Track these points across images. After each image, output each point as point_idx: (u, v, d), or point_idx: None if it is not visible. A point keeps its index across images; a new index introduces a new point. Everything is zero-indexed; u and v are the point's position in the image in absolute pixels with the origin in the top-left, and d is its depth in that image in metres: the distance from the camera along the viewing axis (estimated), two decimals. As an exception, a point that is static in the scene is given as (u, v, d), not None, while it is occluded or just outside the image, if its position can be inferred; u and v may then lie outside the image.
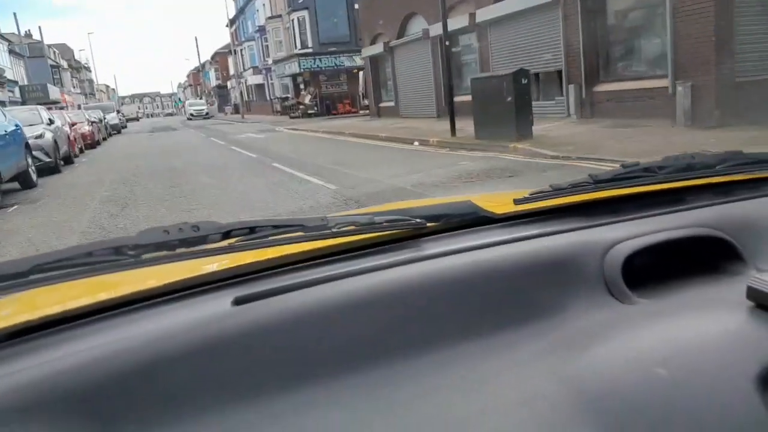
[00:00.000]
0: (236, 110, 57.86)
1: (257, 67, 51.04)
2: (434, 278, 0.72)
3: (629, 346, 0.62)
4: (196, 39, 65.42)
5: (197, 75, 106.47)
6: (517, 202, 0.92)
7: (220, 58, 73.10)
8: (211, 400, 0.58)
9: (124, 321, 0.68)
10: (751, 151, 1.05)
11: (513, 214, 0.92)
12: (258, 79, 50.42)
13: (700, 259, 0.80)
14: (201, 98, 61.58)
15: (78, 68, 76.94)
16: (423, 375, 0.62)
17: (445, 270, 0.73)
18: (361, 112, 34.59)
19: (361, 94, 31.73)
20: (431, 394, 0.59)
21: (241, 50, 56.56)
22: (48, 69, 55.80)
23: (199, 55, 58.99)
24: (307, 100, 34.12)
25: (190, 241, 0.72)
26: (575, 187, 0.93)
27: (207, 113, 53.22)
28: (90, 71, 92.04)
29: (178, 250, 0.71)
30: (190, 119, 52.05)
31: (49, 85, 43.44)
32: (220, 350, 0.61)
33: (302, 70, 34.15)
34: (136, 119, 74.91)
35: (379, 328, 0.66)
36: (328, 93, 34.96)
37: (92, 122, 22.44)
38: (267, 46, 46.98)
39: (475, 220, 0.90)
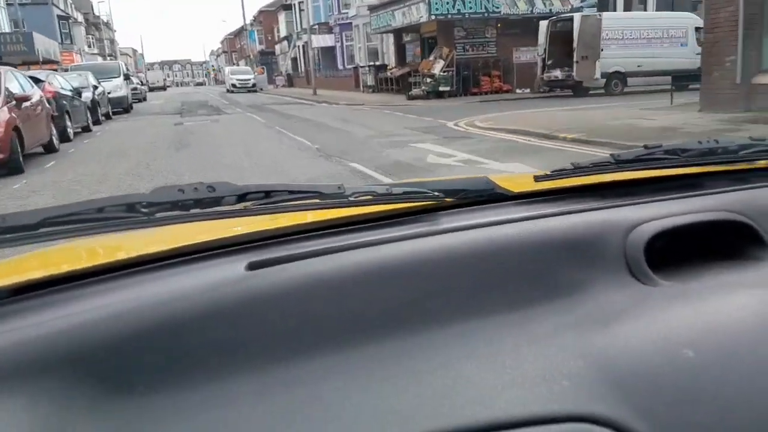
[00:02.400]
0: (289, 82, 43.79)
1: (326, 25, 36.74)
2: (451, 252, 0.70)
3: (654, 327, 0.61)
4: (240, -12, 50.52)
5: (234, 40, 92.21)
6: (537, 179, 0.89)
7: (265, 17, 58.67)
8: (223, 365, 0.57)
9: (136, 281, 0.66)
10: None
11: (530, 192, 0.90)
12: (326, 41, 36.13)
13: (723, 244, 0.79)
14: (243, 65, 47.45)
15: (96, 25, 63.05)
16: (440, 347, 0.60)
17: (462, 244, 0.72)
18: (518, 90, 20.29)
19: (579, 58, 16.97)
20: (448, 367, 0.58)
21: (300, 3, 42.43)
22: (53, 20, 42.06)
23: (243, 6, 44.03)
24: (437, 68, 19.87)
25: (205, 201, 0.69)
26: (597, 167, 0.91)
27: (254, 84, 39.17)
28: (113, 30, 78.22)
29: (192, 211, 0.68)
30: (232, 91, 38.09)
31: (38, 36, 29.48)
32: (232, 315, 0.60)
33: (432, 16, 19.80)
34: (163, 88, 61.09)
35: (395, 299, 0.65)
36: (465, 59, 20.72)
37: (23, 101, 8.31)
38: (344, -8, 32.76)
39: (492, 196, 0.87)
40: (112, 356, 0.55)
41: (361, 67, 28.09)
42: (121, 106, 19.89)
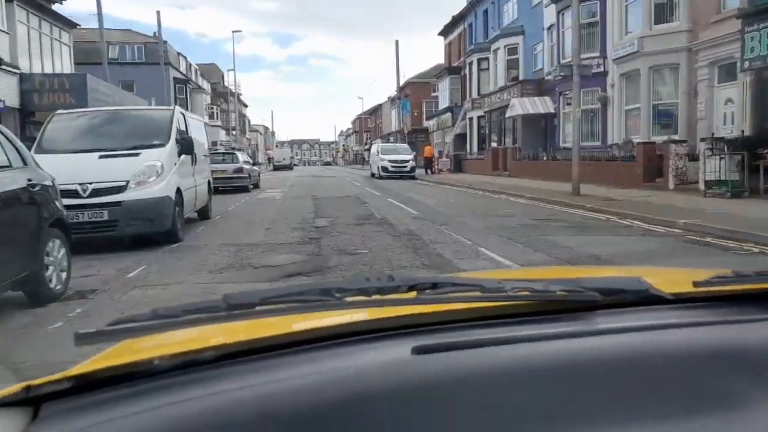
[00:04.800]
0: (456, 166, 30.44)
1: (532, 84, 23.29)
2: (607, 355, 0.69)
3: None
4: (396, 43, 38.43)
5: (366, 120, 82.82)
6: (696, 284, 0.86)
7: (413, 90, 47.05)
8: None
9: (323, 355, 0.70)
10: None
11: (687, 297, 0.86)
12: (535, 106, 22.49)
13: None
14: (389, 142, 34.46)
15: (224, 95, 54.62)
16: None
17: (618, 347, 0.70)
18: None
19: None
20: None
21: (479, 61, 29.78)
22: (165, 81, 32.10)
23: (398, 68, 32.26)
24: None
25: (384, 289, 0.75)
26: (760, 276, 0.86)
27: (413, 168, 26.10)
28: (244, 105, 70.75)
29: (374, 297, 0.74)
30: (381, 177, 25.24)
31: (98, 82, 18.23)
32: (399, 396, 0.62)
33: None
34: (289, 167, 50.40)
35: (549, 398, 0.63)
36: None
37: None
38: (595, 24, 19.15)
39: (647, 298, 0.84)
40: (303, 425, 0.58)
41: (675, 142, 13.60)
42: (159, 228, 6.74)
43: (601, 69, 18.13)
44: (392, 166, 25.54)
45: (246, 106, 73.62)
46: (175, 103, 37.94)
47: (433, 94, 45.51)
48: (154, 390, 0.63)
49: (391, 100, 57.29)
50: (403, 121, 38.28)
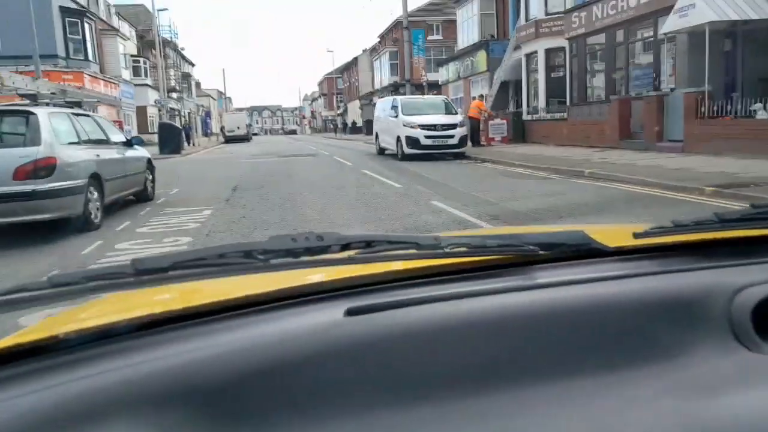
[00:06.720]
0: (517, 131, 18.59)
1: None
2: (547, 308, 0.68)
3: (765, 399, 0.56)
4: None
5: (333, 81, 69.95)
6: (637, 236, 0.84)
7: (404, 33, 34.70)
8: (321, 409, 0.56)
9: (245, 322, 0.67)
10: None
11: (628, 249, 0.86)
12: (722, 9, 11.04)
13: None
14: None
15: (151, 45, 41.04)
16: (535, 407, 0.57)
17: (558, 301, 0.69)
18: None
19: None
20: (544, 428, 0.55)
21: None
22: (41, 11, 19.17)
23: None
24: None
25: (314, 249, 0.71)
26: (699, 225, 0.85)
27: (463, 138, 14.25)
28: (190, 63, 56.69)
29: (303, 258, 0.70)
30: (405, 157, 13.53)
31: None
32: (331, 359, 0.60)
33: None
34: (245, 138, 37.67)
35: (489, 353, 0.62)
36: None
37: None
38: None
39: (588, 251, 0.83)
40: (225, 394, 0.55)
41: None
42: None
43: None
44: (428, 137, 13.72)
45: (192, 64, 59.63)
46: (66, 48, 24.71)
47: (430, 38, 33.63)
48: (63, 365, 0.58)
49: (371, 50, 44.84)
50: (414, 65, 25.93)
